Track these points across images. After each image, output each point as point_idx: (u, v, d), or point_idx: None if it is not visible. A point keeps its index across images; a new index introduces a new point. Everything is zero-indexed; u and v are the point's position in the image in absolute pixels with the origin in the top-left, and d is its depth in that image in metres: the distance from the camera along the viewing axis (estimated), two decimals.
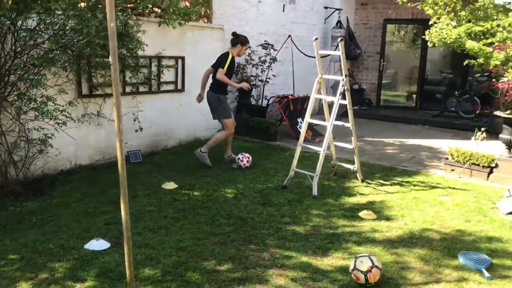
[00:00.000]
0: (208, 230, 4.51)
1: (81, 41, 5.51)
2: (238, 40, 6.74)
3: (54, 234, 4.27)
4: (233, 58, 6.68)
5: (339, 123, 6.04)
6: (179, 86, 7.66)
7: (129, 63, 6.36)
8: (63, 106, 5.49)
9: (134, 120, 6.79)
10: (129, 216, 4.61)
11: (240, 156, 6.61)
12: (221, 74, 6.51)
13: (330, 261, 3.97)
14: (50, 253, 3.92)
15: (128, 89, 6.80)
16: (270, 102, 9.55)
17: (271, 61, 9.17)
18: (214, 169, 6.51)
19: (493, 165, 6.39)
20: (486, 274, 3.74)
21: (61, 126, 5.44)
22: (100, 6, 5.52)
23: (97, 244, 4.05)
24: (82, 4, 5.55)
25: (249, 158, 6.59)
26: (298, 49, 10.18)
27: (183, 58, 7.60)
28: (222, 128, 6.97)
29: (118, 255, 3.90)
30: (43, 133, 5.32)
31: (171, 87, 7.54)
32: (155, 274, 3.63)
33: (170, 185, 5.70)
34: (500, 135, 6.33)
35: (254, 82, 8.99)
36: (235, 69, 7.57)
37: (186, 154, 7.27)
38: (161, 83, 7.30)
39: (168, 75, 7.39)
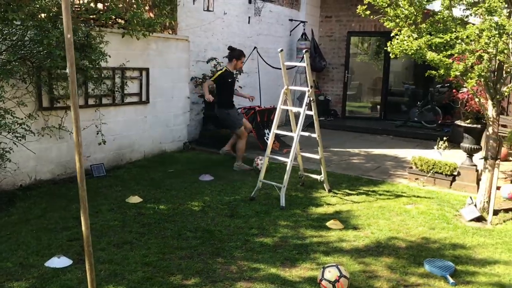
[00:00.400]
0: (175, 244, 4.41)
1: (41, 52, 5.36)
2: (233, 54, 7.27)
3: (13, 252, 4.09)
4: (225, 71, 7.24)
5: (306, 133, 6.07)
6: (144, 98, 7.55)
7: (91, 75, 6.23)
8: (22, 119, 5.31)
9: (97, 133, 6.64)
10: (93, 231, 4.48)
11: (256, 159, 7.05)
12: (205, 83, 7.40)
13: (299, 272, 3.94)
14: (8, 272, 3.75)
15: (91, 101, 6.64)
16: None
17: (237, 72, 9.16)
18: (180, 182, 6.42)
19: (455, 173, 6.55)
20: (451, 280, 3.80)
21: (20, 140, 5.26)
22: (61, 17, 5.39)
23: (59, 262, 3.90)
24: (42, 15, 5.42)
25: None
26: (264, 60, 10.24)
27: (147, 70, 7.51)
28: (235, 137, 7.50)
29: (81, 272, 3.76)
30: (0, 147, 5.12)
31: (135, 99, 7.42)
32: None
33: (135, 199, 5.58)
34: (461, 144, 6.50)
35: None
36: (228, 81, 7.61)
37: (151, 167, 7.15)
38: (125, 95, 7.17)
39: (132, 86, 7.28)
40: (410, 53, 5.24)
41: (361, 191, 6.36)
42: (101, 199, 5.59)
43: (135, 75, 7.33)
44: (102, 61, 6.10)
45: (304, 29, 11.93)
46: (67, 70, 2.69)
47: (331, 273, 3.53)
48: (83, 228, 2.97)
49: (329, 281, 3.50)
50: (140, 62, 7.40)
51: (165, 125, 8.09)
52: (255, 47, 10.28)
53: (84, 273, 3.67)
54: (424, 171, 6.70)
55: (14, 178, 5.74)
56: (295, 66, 10.26)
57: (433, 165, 6.64)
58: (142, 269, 3.88)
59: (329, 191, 6.26)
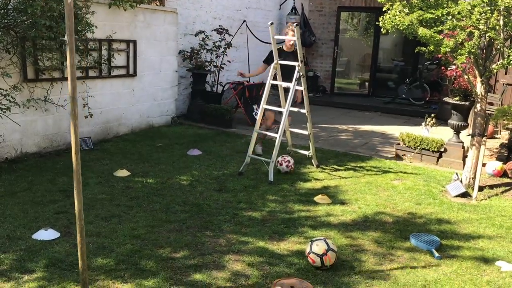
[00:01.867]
0: (163, 217, 4.41)
1: (25, 22, 5.21)
2: None
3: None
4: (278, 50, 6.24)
5: (295, 109, 6.05)
6: (131, 71, 7.43)
7: (77, 46, 6.09)
8: (6, 90, 5.20)
9: (84, 106, 6.54)
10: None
11: (280, 159, 5.98)
12: None
13: (286, 246, 3.98)
14: None
15: (77, 73, 6.49)
16: (225, 88, 9.46)
17: (226, 46, 9.06)
18: (168, 156, 6.38)
19: (442, 150, 6.61)
20: (436, 254, 3.86)
21: (5, 112, 5.16)
22: None
23: (46, 234, 3.88)
24: None
25: (289, 162, 5.95)
26: (253, 34, 10.12)
27: (134, 42, 7.37)
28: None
29: (68, 245, 3.75)
30: None
31: (122, 71, 7.30)
32: (108, 263, 3.52)
33: (123, 173, 5.54)
34: (449, 121, 6.55)
35: (208, 68, 8.86)
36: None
37: (139, 141, 7.09)
38: (112, 68, 7.05)
39: (119, 59, 7.15)
40: (401, 29, 5.21)
41: (349, 166, 6.39)
42: (89, 172, 5.54)
43: (122, 47, 7.20)
44: (89, 32, 5.97)
45: (294, 3, 11.78)
46: (66, 38, 2.61)
47: (318, 247, 3.56)
48: (76, 202, 2.96)
49: (317, 254, 3.54)
50: (127, 34, 7.25)
51: (152, 99, 7.99)
52: (244, 21, 10.15)
53: (72, 245, 3.69)
54: (412, 148, 6.75)
55: (0, 150, 5.66)
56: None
57: (420, 142, 6.69)
58: (131, 242, 3.88)
59: (317, 166, 6.29)
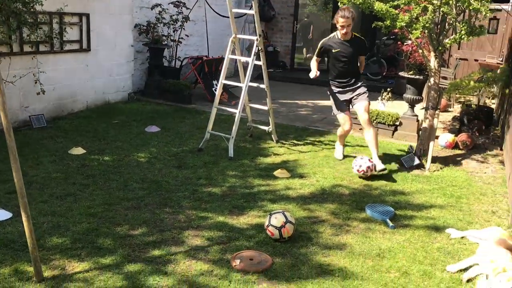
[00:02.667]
0: (121, 195, 4.35)
1: None
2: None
3: None
4: (329, 39, 5.52)
5: (254, 84, 6.02)
6: (85, 46, 7.17)
7: (25, 19, 5.81)
8: None
9: (35, 82, 6.29)
10: (34, 183, 4.36)
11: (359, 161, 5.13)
12: None
13: (246, 220, 4.01)
14: None
15: (26, 47, 6.23)
16: (183, 63, 9.30)
17: (184, 20, 8.86)
18: (125, 133, 6.26)
19: (397, 123, 6.77)
20: (390, 224, 3.99)
21: None
22: None
23: None
24: None
25: (368, 167, 5.06)
26: (212, 8, 9.93)
27: (87, 15, 7.09)
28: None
29: (21, 225, 3.60)
30: None
31: (75, 46, 7.04)
32: (63, 242, 3.45)
33: (78, 151, 5.40)
34: (404, 95, 6.70)
35: (166, 42, 8.66)
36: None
37: (95, 118, 6.91)
38: (64, 42, 6.78)
39: (72, 33, 6.87)
40: (358, 3, 5.25)
41: (308, 141, 6.47)
42: (42, 150, 5.37)
43: (74, 20, 6.92)
44: (37, 4, 5.69)
45: None
46: None
47: (277, 219, 3.61)
48: (15, 179, 2.86)
49: (275, 227, 3.58)
50: (80, 7, 6.97)
51: (108, 74, 7.77)
52: None
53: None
54: None
55: None
56: (244, 14, 10.05)
57: (377, 116, 6.82)
58: (87, 220, 3.80)
59: (277, 141, 6.33)
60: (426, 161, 5.58)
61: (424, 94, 6.87)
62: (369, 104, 5.50)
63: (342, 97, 5.55)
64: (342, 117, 5.55)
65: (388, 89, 7.60)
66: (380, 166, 5.15)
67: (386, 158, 5.81)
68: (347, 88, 5.53)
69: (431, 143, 5.66)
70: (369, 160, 5.12)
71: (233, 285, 3.05)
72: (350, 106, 5.63)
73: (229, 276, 3.14)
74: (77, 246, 3.41)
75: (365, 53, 5.73)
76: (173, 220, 3.92)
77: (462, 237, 3.85)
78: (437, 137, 6.20)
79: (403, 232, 3.91)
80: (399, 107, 7.39)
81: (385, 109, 7.14)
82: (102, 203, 4.14)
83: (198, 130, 6.60)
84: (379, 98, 7.52)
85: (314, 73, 5.43)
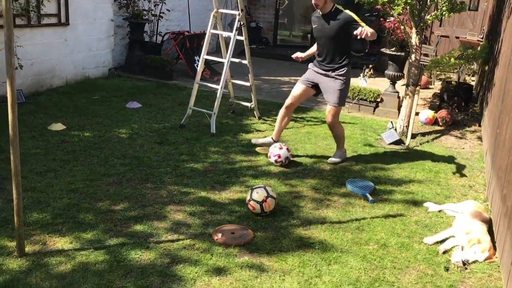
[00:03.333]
0: (102, 171, 4.32)
1: None
2: None
3: None
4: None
5: (236, 60, 5.98)
6: (63, 19, 7.00)
7: None
8: None
9: None
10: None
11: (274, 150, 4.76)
12: None
13: (228, 195, 4.03)
14: None
15: (1, 21, 6.05)
16: (165, 38, 9.16)
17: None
18: (106, 109, 6.18)
19: (378, 100, 6.82)
20: (370, 198, 4.06)
21: None
22: None
23: None
24: None
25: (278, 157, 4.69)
26: None
27: None
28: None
29: (1, 201, 3.61)
30: None
31: (53, 20, 6.86)
32: (44, 218, 3.43)
33: (58, 126, 5.33)
34: (386, 71, 6.73)
35: (146, 17, 8.51)
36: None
37: (74, 94, 6.80)
38: (42, 16, 6.60)
39: (49, 6, 6.69)
40: None
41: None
42: (21, 126, 5.19)
43: None
44: None
45: None
46: None
47: (258, 194, 3.64)
48: (12, 157, 2.82)
49: (257, 201, 3.62)
50: None
51: (87, 49, 7.62)
52: None
53: (4, 201, 3.56)
54: (350, 98, 6.91)
55: None
56: None
57: (358, 92, 6.86)
58: (68, 196, 3.78)
59: (259, 118, 6.33)
60: (406, 137, 5.66)
61: (405, 71, 6.92)
62: (335, 109, 4.67)
63: (311, 75, 4.82)
64: (295, 86, 4.94)
65: (370, 66, 7.62)
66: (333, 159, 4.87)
67: (367, 134, 5.87)
68: (320, 70, 4.73)
69: (411, 119, 5.73)
70: (280, 148, 4.69)
71: (215, 258, 3.09)
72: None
73: (211, 250, 3.18)
74: (58, 221, 3.40)
75: (352, 31, 4.34)
76: (155, 196, 3.92)
77: (440, 211, 3.94)
78: (417, 114, 6.27)
79: (382, 206, 3.99)
80: (381, 84, 7.44)
81: (366, 85, 7.18)
82: (83, 178, 4.12)
83: (180, 106, 6.56)
84: (361, 74, 7.55)
85: (298, 54, 5.00)
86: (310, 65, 4.88)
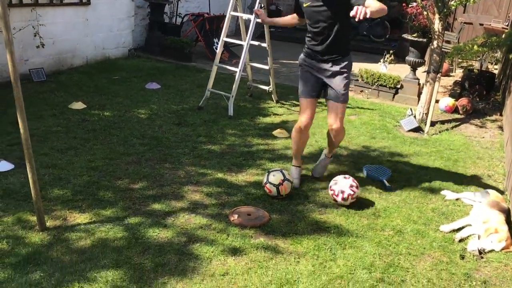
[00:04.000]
0: (121, 150, 4.38)
1: None
2: None
3: None
4: None
5: (255, 43, 5.95)
6: None
7: None
8: None
9: (35, 35, 6.21)
10: (35, 137, 4.37)
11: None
12: None
13: (245, 177, 4.06)
14: None
15: None
16: (184, 20, 9.15)
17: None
18: (125, 89, 6.24)
19: (398, 86, 6.75)
20: (387, 184, 4.05)
21: None
22: None
23: (0, 165, 3.80)
24: None
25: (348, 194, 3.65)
26: None
27: None
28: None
29: (23, 176, 3.69)
30: None
31: None
32: (65, 194, 3.51)
33: (78, 105, 5.40)
34: (406, 58, 6.63)
35: None
36: None
37: (95, 74, 6.87)
38: None
39: None
40: None
41: None
42: (43, 104, 5.37)
43: None
44: None
45: None
46: None
47: (275, 177, 3.66)
48: (21, 130, 2.88)
49: (273, 184, 3.64)
50: None
51: (108, 30, 7.66)
52: None
53: (27, 177, 3.62)
54: (369, 84, 6.85)
55: None
56: None
57: (378, 78, 6.79)
58: (88, 174, 3.85)
59: (277, 102, 6.32)
60: (426, 124, 5.60)
61: (426, 58, 6.82)
62: (344, 108, 3.80)
63: (308, 70, 3.84)
64: (303, 103, 3.89)
65: (391, 52, 7.52)
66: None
67: (385, 120, 5.83)
68: (321, 64, 3.73)
69: (431, 107, 5.67)
70: (351, 185, 3.63)
71: (231, 238, 3.13)
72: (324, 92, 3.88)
73: (227, 230, 3.22)
74: (78, 198, 3.47)
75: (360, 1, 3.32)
76: (173, 176, 3.97)
77: (457, 199, 3.91)
78: (437, 101, 6.20)
79: (399, 193, 3.98)
80: (401, 70, 7.35)
81: (386, 71, 7.10)
82: (103, 157, 4.18)
83: (198, 88, 6.58)
84: (381, 60, 7.46)
85: (261, 11, 4.41)
86: (301, 58, 3.88)
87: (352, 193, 3.59)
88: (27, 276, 2.61)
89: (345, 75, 3.70)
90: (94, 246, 2.93)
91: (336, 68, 3.68)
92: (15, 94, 2.78)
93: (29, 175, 2.94)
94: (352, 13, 3.14)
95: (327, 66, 3.70)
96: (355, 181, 3.68)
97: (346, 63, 3.70)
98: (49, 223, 3.12)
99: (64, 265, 2.72)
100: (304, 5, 3.66)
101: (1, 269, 2.65)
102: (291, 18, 4.06)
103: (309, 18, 3.69)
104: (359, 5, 3.15)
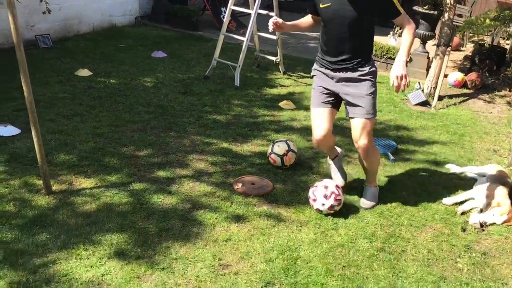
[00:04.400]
0: (127, 117, 4.39)
1: None
2: None
3: None
4: None
5: (264, 12, 5.87)
6: None
7: None
8: None
9: (41, 1, 6.15)
10: (41, 103, 4.39)
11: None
12: None
13: (250, 147, 4.07)
14: None
15: None
16: None
17: None
18: (131, 57, 6.21)
19: (407, 59, 6.65)
20: (391, 157, 4.05)
21: None
22: None
23: (6, 130, 3.82)
24: None
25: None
26: None
27: None
28: None
29: (29, 141, 3.70)
30: None
31: None
32: (70, 159, 3.54)
33: (85, 72, 5.39)
34: (416, 30, 6.51)
35: None
36: None
37: (101, 41, 6.83)
38: None
39: None
40: None
41: None
42: (49, 71, 5.37)
43: None
44: None
45: None
46: None
47: (280, 147, 3.67)
48: (25, 93, 2.89)
49: (278, 155, 3.65)
50: None
51: None
52: None
53: (33, 142, 3.65)
54: (378, 57, 6.77)
55: None
56: None
57: (387, 51, 6.70)
58: (94, 140, 3.88)
59: (284, 73, 6.27)
60: (433, 98, 5.56)
61: (437, 31, 6.70)
62: (370, 123, 3.15)
63: (324, 84, 3.18)
64: (315, 115, 3.25)
65: None
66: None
67: (392, 93, 5.78)
68: (337, 73, 3.10)
69: (440, 81, 5.60)
70: (333, 192, 3.12)
71: (235, 206, 3.16)
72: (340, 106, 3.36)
73: (230, 198, 3.25)
74: (84, 163, 3.51)
75: (392, 15, 3.00)
76: (178, 144, 3.99)
77: (461, 173, 3.91)
78: (446, 75, 6.12)
79: (403, 166, 3.98)
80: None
81: (396, 44, 7.00)
82: (108, 124, 4.20)
83: (204, 57, 6.53)
84: (391, 33, 7.35)
85: (278, 20, 3.15)
86: (315, 68, 3.25)
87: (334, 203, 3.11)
88: (34, 238, 2.66)
89: (369, 83, 3.11)
90: (99, 210, 2.97)
91: (356, 75, 3.08)
92: (18, 57, 2.77)
93: (34, 140, 2.96)
94: (392, 85, 2.93)
95: (346, 74, 3.10)
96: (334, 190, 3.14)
97: (370, 67, 3.11)
98: (55, 187, 3.16)
99: (70, 228, 2.77)
100: (321, 5, 3.03)
101: (9, 230, 2.71)
102: (305, 22, 3.38)
103: (325, 19, 3.07)
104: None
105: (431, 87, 5.72)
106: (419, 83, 5.82)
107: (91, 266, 2.48)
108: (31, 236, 2.67)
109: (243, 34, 5.95)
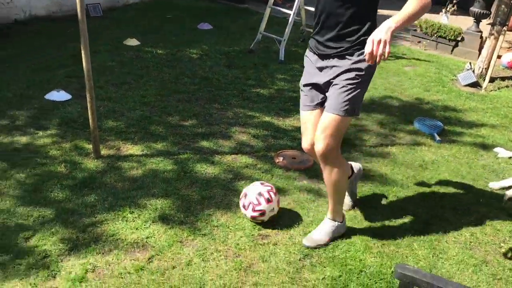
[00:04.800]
0: (173, 87, 4.47)
1: None
2: None
3: (12, 84, 4.14)
4: None
5: None
6: None
7: None
8: None
9: None
10: (91, 70, 4.51)
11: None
12: None
13: (292, 122, 4.07)
14: (8, 101, 3.85)
15: None
16: None
17: None
18: (178, 28, 6.27)
19: (459, 38, 6.42)
20: (437, 138, 3.95)
21: None
22: None
23: (58, 95, 3.97)
24: None
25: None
26: None
27: None
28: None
29: (80, 107, 3.86)
30: None
31: None
32: (118, 126, 3.65)
33: (133, 42, 5.50)
34: (471, 8, 6.24)
35: None
36: None
37: (149, 11, 6.92)
38: None
39: None
40: None
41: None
42: (98, 39, 5.50)
43: None
44: None
45: None
46: None
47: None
48: (84, 62, 2.99)
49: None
50: None
51: None
52: None
53: (84, 108, 3.79)
54: (428, 35, 6.55)
55: (8, 11, 5.56)
56: None
57: (438, 29, 6.47)
58: (141, 108, 3.98)
59: None
60: (484, 79, 5.35)
61: (492, 9, 6.40)
62: (338, 122, 2.37)
63: (309, 80, 2.55)
64: (301, 120, 2.71)
65: (454, 1, 7.10)
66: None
67: (442, 73, 5.60)
68: (325, 60, 2.42)
69: (492, 61, 5.38)
70: (264, 193, 2.69)
71: (275, 179, 3.19)
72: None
73: (271, 171, 3.28)
74: (131, 130, 3.61)
75: None
76: (221, 116, 4.03)
77: (510, 157, 3.78)
78: (499, 57, 5.85)
79: (449, 147, 3.88)
80: (463, 23, 6.96)
81: (448, 22, 6.74)
82: (155, 93, 4.29)
83: (249, 30, 6.51)
84: (443, 10, 7.07)
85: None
86: (307, 52, 2.59)
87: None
88: (83, 198, 2.79)
89: (355, 73, 2.36)
90: (145, 175, 3.07)
91: (348, 63, 2.37)
92: (80, 26, 2.85)
93: (88, 106, 3.07)
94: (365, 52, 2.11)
95: (333, 60, 2.42)
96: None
97: (361, 54, 2.35)
98: (103, 152, 3.28)
99: (117, 191, 2.88)
100: None
101: (60, 190, 2.84)
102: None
103: None
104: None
105: (483, 68, 5.50)
106: (470, 63, 5.61)
107: (136, 228, 2.58)
108: (80, 197, 2.80)
109: (290, 8, 5.87)
